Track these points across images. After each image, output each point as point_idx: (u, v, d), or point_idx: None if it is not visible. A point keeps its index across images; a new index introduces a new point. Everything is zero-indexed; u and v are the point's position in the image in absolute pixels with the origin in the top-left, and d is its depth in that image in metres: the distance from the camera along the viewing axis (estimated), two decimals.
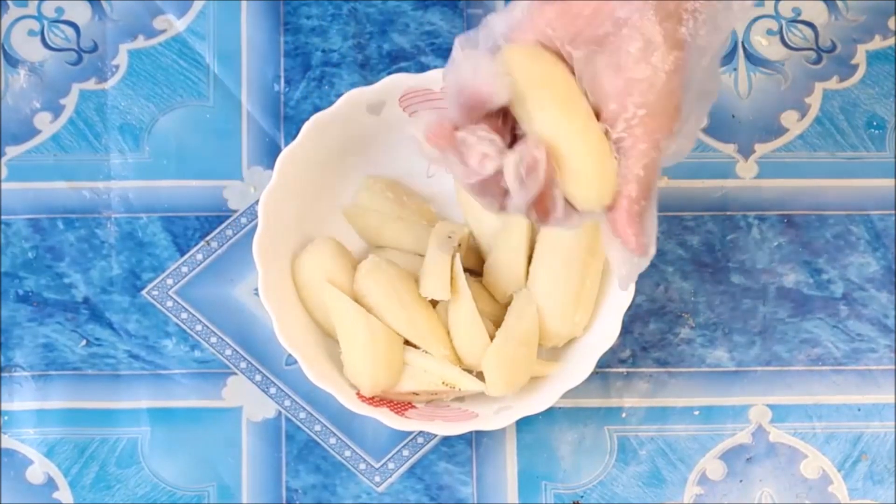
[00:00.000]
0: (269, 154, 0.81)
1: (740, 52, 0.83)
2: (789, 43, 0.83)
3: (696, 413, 0.79)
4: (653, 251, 0.60)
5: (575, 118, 0.58)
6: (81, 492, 0.77)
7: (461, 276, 0.73)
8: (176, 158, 0.81)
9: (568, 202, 0.59)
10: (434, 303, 0.75)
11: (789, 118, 0.82)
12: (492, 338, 0.73)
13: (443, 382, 0.73)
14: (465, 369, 0.74)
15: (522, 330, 0.73)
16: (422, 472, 0.78)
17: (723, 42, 0.60)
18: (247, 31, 0.82)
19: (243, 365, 0.78)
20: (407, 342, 0.74)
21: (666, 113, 0.58)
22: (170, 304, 0.79)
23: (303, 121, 0.74)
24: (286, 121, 0.81)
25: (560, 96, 0.59)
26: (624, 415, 0.78)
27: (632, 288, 0.73)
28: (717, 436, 0.78)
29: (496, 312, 0.76)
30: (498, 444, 0.78)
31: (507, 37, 0.60)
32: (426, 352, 0.74)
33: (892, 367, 0.79)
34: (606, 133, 0.59)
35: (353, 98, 0.74)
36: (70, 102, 0.81)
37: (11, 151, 0.80)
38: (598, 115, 0.59)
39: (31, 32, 0.82)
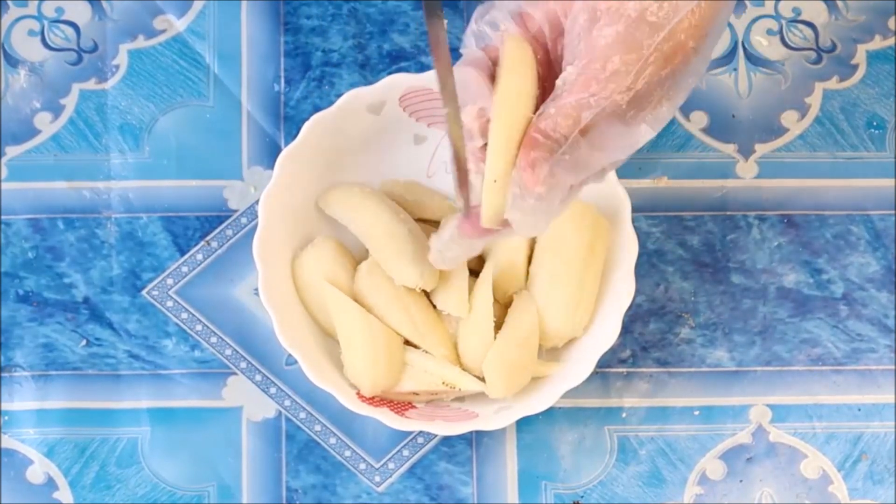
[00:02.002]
0: (269, 154, 0.81)
1: (740, 51, 0.83)
2: (789, 43, 0.83)
3: (696, 413, 0.79)
4: (544, 194, 0.59)
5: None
6: (81, 492, 0.77)
7: (483, 293, 0.73)
8: (176, 158, 0.81)
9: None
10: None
11: (789, 118, 0.82)
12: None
13: (443, 382, 0.73)
14: (464, 369, 0.74)
15: (522, 331, 0.73)
16: (422, 472, 0.78)
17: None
18: (247, 31, 0.82)
19: (243, 365, 0.78)
20: (407, 342, 0.74)
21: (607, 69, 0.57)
22: (170, 304, 0.79)
23: (303, 121, 0.74)
24: (286, 121, 0.81)
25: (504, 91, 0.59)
26: (624, 415, 0.78)
27: (632, 288, 0.73)
28: (717, 436, 0.78)
29: (496, 312, 0.76)
30: (498, 444, 0.78)
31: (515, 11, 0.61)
32: (426, 352, 0.74)
33: (892, 367, 0.79)
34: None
35: (353, 98, 0.74)
36: (70, 102, 0.81)
37: (11, 151, 0.80)
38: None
39: (31, 32, 0.82)
